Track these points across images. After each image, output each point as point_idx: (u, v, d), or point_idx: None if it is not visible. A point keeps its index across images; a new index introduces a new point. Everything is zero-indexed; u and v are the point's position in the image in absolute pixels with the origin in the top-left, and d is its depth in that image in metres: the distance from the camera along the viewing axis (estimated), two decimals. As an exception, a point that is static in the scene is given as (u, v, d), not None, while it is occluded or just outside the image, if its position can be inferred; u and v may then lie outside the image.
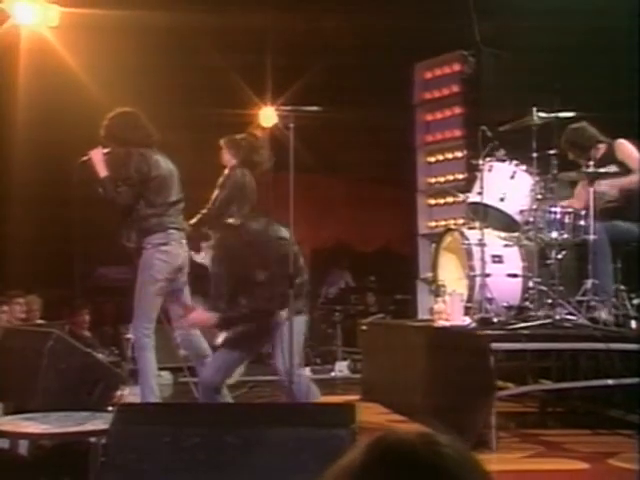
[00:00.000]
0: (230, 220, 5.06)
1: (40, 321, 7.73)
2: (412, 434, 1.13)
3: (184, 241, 5.72)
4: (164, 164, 5.71)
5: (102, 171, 5.60)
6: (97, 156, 5.62)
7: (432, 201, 9.68)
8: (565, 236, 5.93)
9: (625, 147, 6.16)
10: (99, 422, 3.66)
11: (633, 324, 5.78)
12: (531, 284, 6.00)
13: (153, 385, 5.52)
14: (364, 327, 8.12)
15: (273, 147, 6.38)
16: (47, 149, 9.39)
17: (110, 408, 4.36)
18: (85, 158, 5.67)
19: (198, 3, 8.47)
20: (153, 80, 9.07)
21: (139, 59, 8.90)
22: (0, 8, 8.07)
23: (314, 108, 5.56)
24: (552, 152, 5.95)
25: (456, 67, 9.30)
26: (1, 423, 3.84)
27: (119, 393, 5.23)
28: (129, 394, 5.60)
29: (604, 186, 5.99)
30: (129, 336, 8.04)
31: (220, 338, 5.20)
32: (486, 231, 6.15)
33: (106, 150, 5.69)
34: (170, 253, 5.58)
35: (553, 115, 6.01)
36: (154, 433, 2.61)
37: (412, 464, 1.09)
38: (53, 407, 4.12)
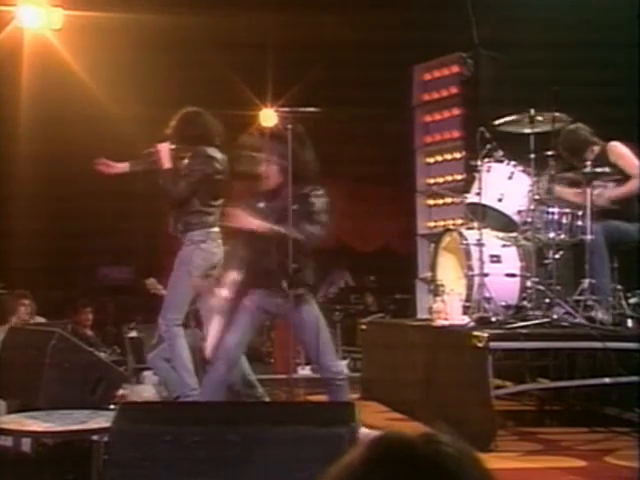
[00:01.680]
0: None
1: (42, 319, 7.75)
2: (413, 433, 1.12)
3: (220, 240, 5.78)
4: (224, 165, 5.77)
5: (167, 163, 5.71)
6: (164, 149, 5.73)
7: (431, 201, 9.72)
8: (562, 236, 5.97)
9: (618, 149, 6.15)
10: (101, 420, 3.69)
11: (630, 323, 5.83)
12: (529, 284, 6.01)
13: (191, 369, 5.56)
14: (364, 326, 8.16)
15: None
16: (51, 149, 9.43)
17: (112, 406, 4.38)
18: (150, 150, 5.78)
19: (200, 5, 8.51)
20: (155, 81, 9.11)
21: (141, 61, 8.93)
22: (4, 11, 8.11)
23: (314, 109, 5.58)
24: (550, 153, 5.98)
25: (455, 69, 9.33)
26: (5, 421, 3.85)
27: (121, 392, 5.27)
28: (130, 392, 5.65)
29: (593, 197, 6.01)
30: (132, 335, 8.10)
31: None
32: (484, 231, 6.17)
33: (172, 146, 5.79)
34: (208, 251, 5.65)
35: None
36: (156, 431, 2.61)
37: (413, 463, 1.08)
38: (56, 405, 4.15)
